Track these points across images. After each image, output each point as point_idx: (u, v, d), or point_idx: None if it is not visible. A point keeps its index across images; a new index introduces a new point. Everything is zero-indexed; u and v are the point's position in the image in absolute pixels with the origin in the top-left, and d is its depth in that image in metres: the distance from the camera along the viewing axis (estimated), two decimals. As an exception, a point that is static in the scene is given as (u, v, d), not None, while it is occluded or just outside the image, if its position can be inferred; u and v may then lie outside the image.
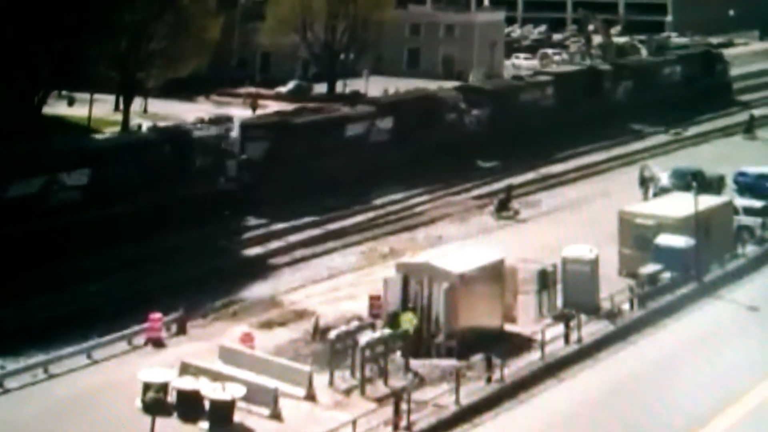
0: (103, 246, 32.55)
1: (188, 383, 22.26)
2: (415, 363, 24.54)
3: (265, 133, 42.60)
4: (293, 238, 36.78)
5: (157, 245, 34.17)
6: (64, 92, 54.75)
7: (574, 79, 59.89)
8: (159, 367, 23.50)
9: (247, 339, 25.73)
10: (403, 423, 21.49)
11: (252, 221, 38.39)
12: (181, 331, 27.33)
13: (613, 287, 29.39)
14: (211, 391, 21.80)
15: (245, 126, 43.68)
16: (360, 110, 47.37)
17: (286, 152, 41.21)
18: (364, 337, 24.05)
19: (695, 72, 69.27)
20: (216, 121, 46.69)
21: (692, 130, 59.06)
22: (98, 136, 43.18)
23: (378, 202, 41.64)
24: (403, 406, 21.65)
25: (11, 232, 31.70)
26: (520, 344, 26.06)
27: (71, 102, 55.60)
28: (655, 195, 40.54)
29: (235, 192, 39.39)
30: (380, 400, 22.64)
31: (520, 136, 50.29)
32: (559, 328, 26.54)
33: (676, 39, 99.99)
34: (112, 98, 54.84)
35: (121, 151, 37.96)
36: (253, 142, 41.76)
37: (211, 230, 36.57)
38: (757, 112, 63.84)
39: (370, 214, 40.25)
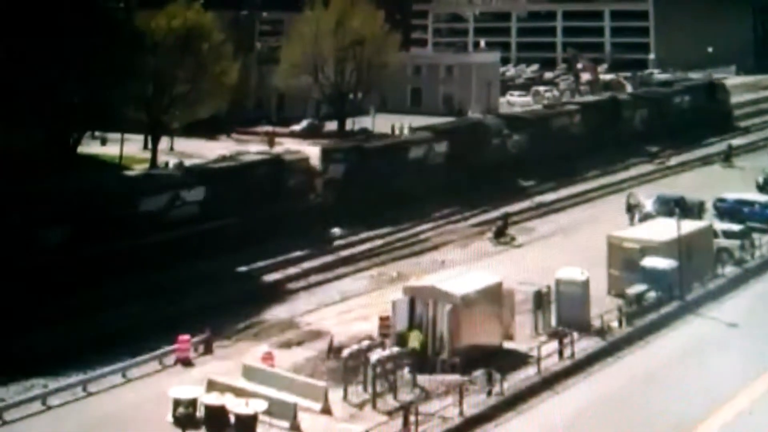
0: (216, 253, 34.88)
1: (215, 399, 22.49)
2: (421, 378, 24.69)
3: (343, 155, 45.60)
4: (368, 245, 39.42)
5: (261, 252, 36.51)
6: (97, 133, 55.33)
7: (598, 108, 62.92)
8: (188, 384, 23.79)
9: (267, 358, 26.03)
10: (412, 433, 21.66)
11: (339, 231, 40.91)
12: (208, 350, 27.67)
13: (602, 306, 29.58)
14: (236, 406, 22.02)
15: (326, 150, 46.35)
16: (420, 136, 50.77)
17: (360, 172, 44.29)
18: (375, 355, 24.24)
19: (701, 101, 71.08)
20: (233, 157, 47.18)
21: (683, 157, 60.01)
22: (210, 161, 44.98)
23: (437, 214, 44.03)
24: (412, 418, 21.82)
25: (142, 243, 33.85)
26: (518, 360, 26.19)
27: (104, 142, 56.09)
28: (641, 220, 40.77)
29: (321, 207, 42.11)
30: (390, 413, 22.80)
31: (554, 158, 52.78)
32: (554, 345, 26.70)
33: (658, 75, 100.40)
34: (141, 137, 55.43)
35: (230, 172, 40.71)
36: (333, 164, 44.59)
37: (308, 239, 38.81)
38: (735, 142, 64.25)
39: (430, 225, 42.70)
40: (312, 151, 46.31)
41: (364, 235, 40.20)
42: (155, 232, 34.72)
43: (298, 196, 41.78)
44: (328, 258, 37.56)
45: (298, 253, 37.27)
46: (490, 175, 48.58)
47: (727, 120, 71.36)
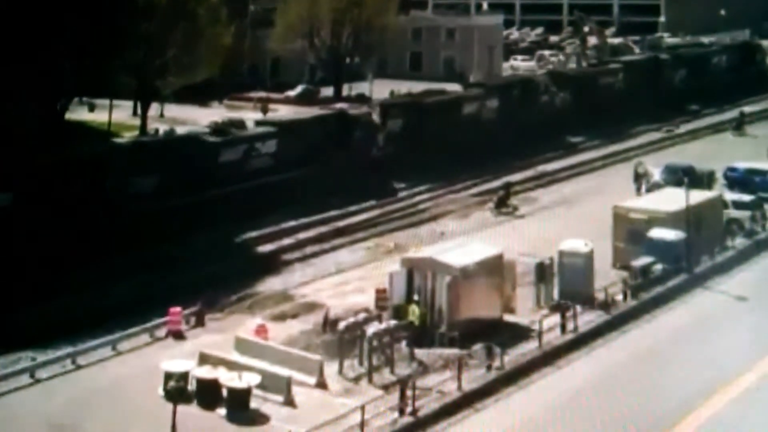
0: (292, 203, 38.43)
1: (207, 372, 22.64)
2: (419, 352, 24.80)
3: (400, 111, 49.02)
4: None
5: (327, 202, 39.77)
6: (84, 99, 55.04)
7: (640, 67, 66.83)
8: (180, 357, 23.92)
9: (261, 330, 26.13)
10: (409, 408, 21.80)
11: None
12: (200, 323, 27.78)
13: (607, 279, 29.68)
14: (229, 379, 22.16)
15: (385, 105, 49.98)
16: (473, 92, 54.59)
17: (417, 127, 47.82)
18: (372, 328, 24.38)
19: (738, 61, 74.83)
20: (232, 124, 47.01)
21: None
22: (281, 115, 48.28)
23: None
24: (409, 392, 21.96)
25: (221, 193, 37.44)
26: (519, 334, 26.29)
27: (92, 108, 55.82)
28: (648, 190, 40.72)
29: (383, 159, 45.49)
30: (387, 387, 22.94)
31: (598, 114, 56.75)
32: (556, 318, 26.78)
33: (668, 39, 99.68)
34: (130, 104, 55.06)
35: (300, 125, 44.46)
36: (391, 119, 47.83)
37: (366, 193, 41.88)
38: (747, 109, 63.98)
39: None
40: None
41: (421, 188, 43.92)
42: (235, 182, 38.31)
43: (362, 149, 45.29)
44: (391, 206, 41.38)
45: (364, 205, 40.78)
46: (539, 130, 51.77)
47: (763, 80, 74.53)
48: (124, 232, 32.65)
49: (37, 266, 29.73)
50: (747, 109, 63.96)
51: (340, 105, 53.99)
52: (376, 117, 47.48)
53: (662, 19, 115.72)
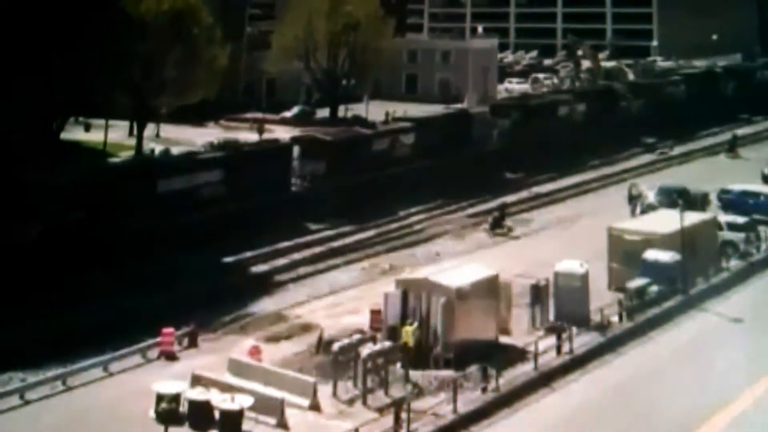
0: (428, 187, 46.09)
1: (199, 394, 22.23)
2: (414, 374, 24.54)
3: (509, 111, 58.02)
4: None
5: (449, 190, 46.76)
6: (80, 118, 54.89)
7: (699, 79, 77.30)
8: (171, 379, 23.55)
9: (255, 352, 25.81)
10: (403, 431, 21.48)
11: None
12: (192, 344, 27.43)
13: (602, 300, 29.45)
14: (221, 401, 21.79)
15: (494, 106, 60.13)
16: (563, 97, 64.52)
17: (523, 125, 56.37)
18: (366, 350, 24.11)
19: None
20: (225, 145, 46.86)
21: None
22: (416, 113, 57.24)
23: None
24: (403, 415, 21.63)
25: (374, 177, 45.84)
26: (515, 355, 26.02)
27: (87, 128, 55.66)
28: (643, 212, 40.62)
29: (496, 153, 53.76)
30: (381, 410, 22.63)
31: (669, 119, 65.02)
32: (552, 340, 26.55)
33: (661, 63, 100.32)
34: (126, 124, 54.97)
35: (432, 121, 53.59)
36: (501, 118, 56.61)
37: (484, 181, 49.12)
38: (739, 131, 64.20)
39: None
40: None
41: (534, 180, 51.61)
42: (384, 168, 47.02)
43: (480, 143, 54.11)
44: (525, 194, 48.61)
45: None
46: (619, 131, 60.62)
47: None
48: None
49: (24, 285, 29.40)
50: (740, 131, 64.23)
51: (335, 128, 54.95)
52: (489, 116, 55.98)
53: (655, 43, 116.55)
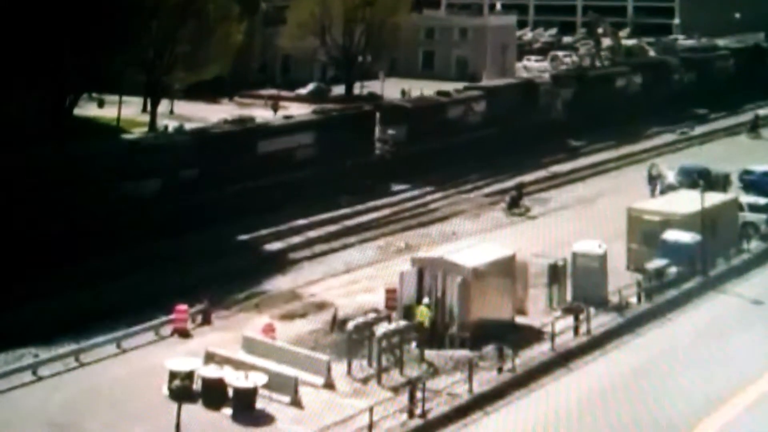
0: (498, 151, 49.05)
1: (213, 371, 22.35)
2: (429, 353, 24.48)
3: (571, 81, 61.17)
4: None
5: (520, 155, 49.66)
6: (94, 94, 54.89)
7: (745, 54, 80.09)
8: (185, 356, 23.62)
9: (269, 329, 25.76)
10: (418, 411, 21.45)
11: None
12: (206, 321, 27.44)
13: (621, 281, 29.27)
14: (235, 379, 21.87)
15: (556, 77, 63.03)
16: (620, 69, 68.21)
17: (583, 95, 59.32)
18: (381, 329, 24.05)
19: None
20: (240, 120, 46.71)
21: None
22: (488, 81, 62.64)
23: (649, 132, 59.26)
24: (418, 394, 21.61)
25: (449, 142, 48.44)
26: (531, 336, 25.93)
27: (101, 104, 55.66)
28: (663, 192, 40.29)
29: (559, 121, 56.45)
30: (396, 389, 22.61)
31: (716, 92, 68.09)
32: (569, 321, 26.42)
33: (683, 41, 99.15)
34: (140, 100, 54.95)
35: (502, 90, 56.98)
36: (564, 88, 59.34)
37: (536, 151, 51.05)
38: (762, 112, 63.45)
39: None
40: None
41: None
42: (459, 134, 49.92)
43: (544, 111, 56.60)
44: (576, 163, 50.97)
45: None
46: (672, 102, 64.53)
47: None
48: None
49: (38, 263, 29.47)
50: (761, 112, 63.50)
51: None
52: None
53: (677, 21, 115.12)
